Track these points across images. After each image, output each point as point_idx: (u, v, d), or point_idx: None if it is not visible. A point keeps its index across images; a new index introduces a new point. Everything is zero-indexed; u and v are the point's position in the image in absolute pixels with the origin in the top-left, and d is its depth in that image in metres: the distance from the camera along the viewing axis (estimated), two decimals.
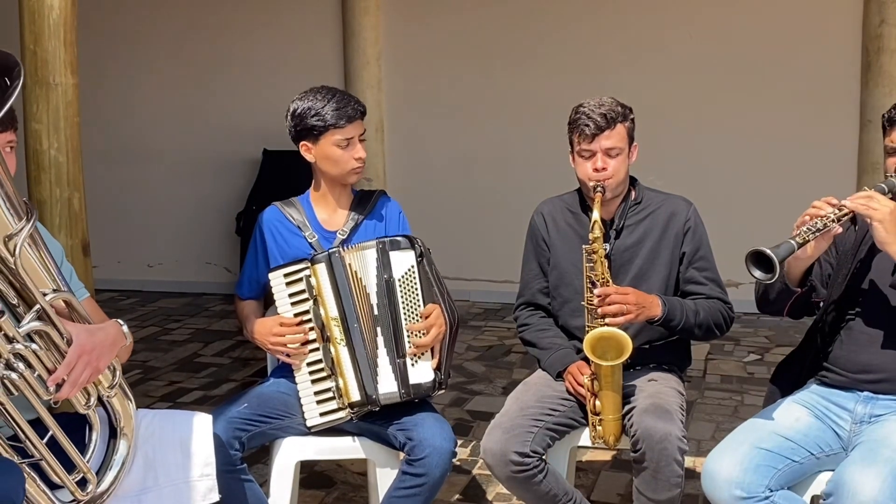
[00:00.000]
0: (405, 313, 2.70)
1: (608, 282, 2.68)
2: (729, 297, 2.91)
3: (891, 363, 2.49)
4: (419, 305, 2.72)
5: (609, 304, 2.64)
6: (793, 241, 2.32)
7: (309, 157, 2.84)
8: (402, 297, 2.70)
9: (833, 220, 2.37)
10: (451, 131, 6.57)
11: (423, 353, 2.70)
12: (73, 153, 3.12)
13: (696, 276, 2.88)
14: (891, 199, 2.44)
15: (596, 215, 2.69)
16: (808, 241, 2.34)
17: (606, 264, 2.70)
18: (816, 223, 2.36)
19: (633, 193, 2.91)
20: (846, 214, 2.38)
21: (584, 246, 2.72)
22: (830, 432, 2.50)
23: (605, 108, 2.77)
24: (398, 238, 2.75)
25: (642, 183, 2.96)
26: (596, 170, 2.75)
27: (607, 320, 2.65)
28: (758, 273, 2.30)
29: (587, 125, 2.75)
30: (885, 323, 2.49)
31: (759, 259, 2.29)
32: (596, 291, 2.66)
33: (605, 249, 2.75)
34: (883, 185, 2.44)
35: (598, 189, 2.74)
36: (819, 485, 2.46)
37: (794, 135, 5.94)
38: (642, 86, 5.70)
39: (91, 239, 3.25)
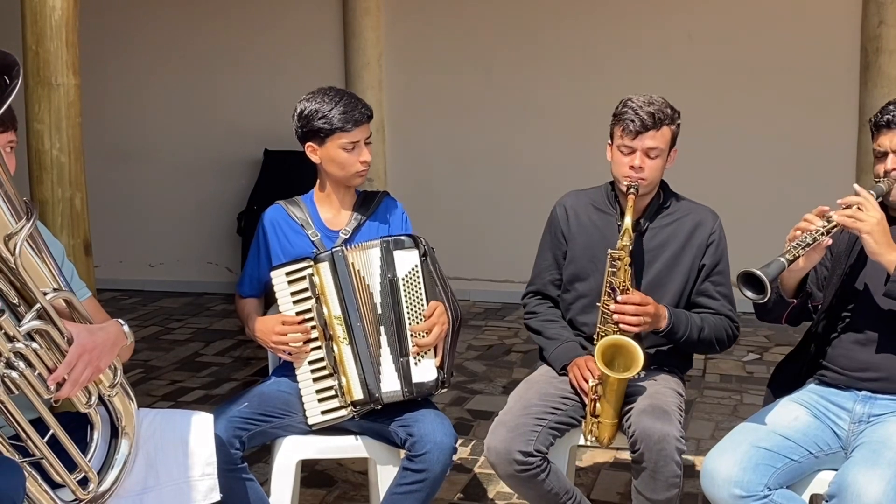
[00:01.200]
0: (408, 312, 2.71)
1: (628, 290, 2.66)
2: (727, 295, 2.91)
3: (889, 363, 2.49)
4: (422, 304, 2.72)
5: (627, 314, 2.63)
6: (783, 259, 2.33)
7: (314, 158, 2.84)
8: (405, 296, 2.71)
9: (823, 234, 2.37)
10: (452, 132, 6.58)
11: (426, 352, 2.70)
12: (75, 153, 3.13)
13: (710, 289, 2.86)
14: (880, 203, 2.45)
15: (628, 221, 2.66)
16: (798, 256, 2.36)
17: (630, 273, 2.68)
18: (806, 238, 2.37)
19: (661, 197, 2.88)
20: (836, 226, 2.39)
21: (610, 250, 2.69)
22: (829, 431, 2.51)
23: (654, 107, 2.72)
24: (402, 237, 2.76)
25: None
26: (632, 167, 2.71)
27: (625, 328, 2.64)
28: (749, 293, 2.30)
29: (632, 121, 2.70)
30: (882, 323, 2.50)
31: (749, 280, 2.29)
32: (619, 299, 2.64)
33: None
34: (872, 192, 2.45)
35: (632, 190, 2.70)
36: (818, 483, 2.47)
37: (793, 135, 5.95)
38: (641, 85, 5.69)
39: (93, 238, 3.26)
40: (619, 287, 2.66)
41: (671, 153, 2.81)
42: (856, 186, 2.44)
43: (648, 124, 2.69)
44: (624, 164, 2.73)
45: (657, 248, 2.84)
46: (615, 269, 2.67)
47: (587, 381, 2.70)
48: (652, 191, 2.84)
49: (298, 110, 2.80)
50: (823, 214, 2.43)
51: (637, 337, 2.68)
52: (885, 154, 2.51)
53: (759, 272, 2.27)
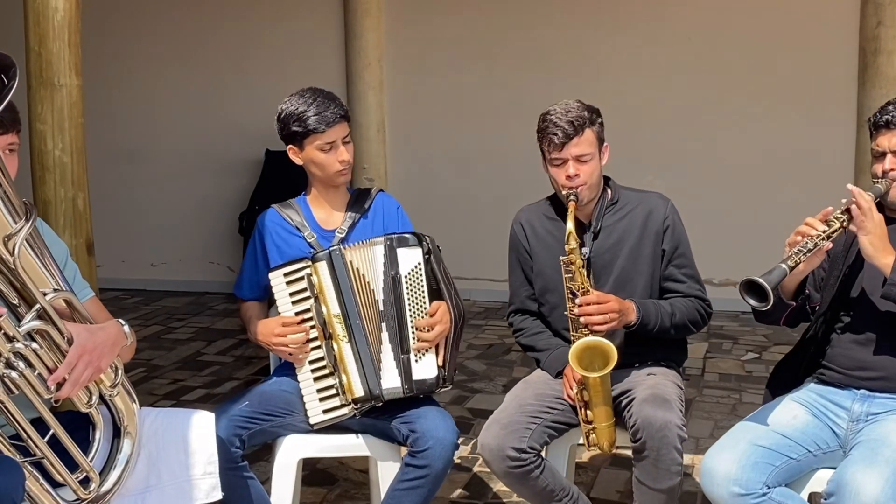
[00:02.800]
0: (411, 310, 2.72)
1: (588, 290, 2.67)
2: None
3: (887, 362, 2.50)
4: (425, 302, 2.73)
5: (591, 315, 2.65)
6: (784, 266, 2.33)
7: (297, 160, 2.86)
8: (407, 293, 2.72)
9: (824, 238, 2.38)
10: (452, 132, 6.60)
11: (427, 350, 2.71)
12: (78, 153, 3.15)
13: (675, 273, 2.88)
14: (877, 203, 2.46)
15: (570, 226, 2.67)
16: (800, 262, 2.36)
17: (585, 273, 2.69)
18: (807, 244, 2.37)
19: (608, 193, 2.90)
20: (837, 230, 2.40)
21: (561, 258, 2.71)
22: (828, 430, 2.52)
23: (571, 114, 2.73)
24: (406, 235, 2.77)
25: (616, 181, 2.95)
26: (568, 177, 2.74)
27: (594, 328, 2.65)
28: (752, 301, 2.31)
29: (555, 134, 2.72)
30: (880, 324, 2.51)
31: (752, 287, 2.30)
32: (577, 301, 2.66)
33: (585, 255, 2.76)
34: (870, 193, 2.46)
35: (572, 197, 2.72)
36: (816, 482, 2.48)
37: (792, 135, 5.96)
38: (641, 87, 5.74)
39: (95, 238, 3.28)
40: (579, 291, 2.67)
41: (603, 150, 2.82)
42: (849, 186, 2.45)
43: (570, 133, 2.71)
44: (560, 176, 2.75)
45: (615, 246, 2.85)
46: (571, 274, 2.68)
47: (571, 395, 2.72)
48: (596, 194, 2.85)
49: (277, 113, 2.83)
50: (826, 217, 2.43)
51: (609, 335, 2.68)
52: (884, 154, 2.52)
53: (761, 280, 2.27)
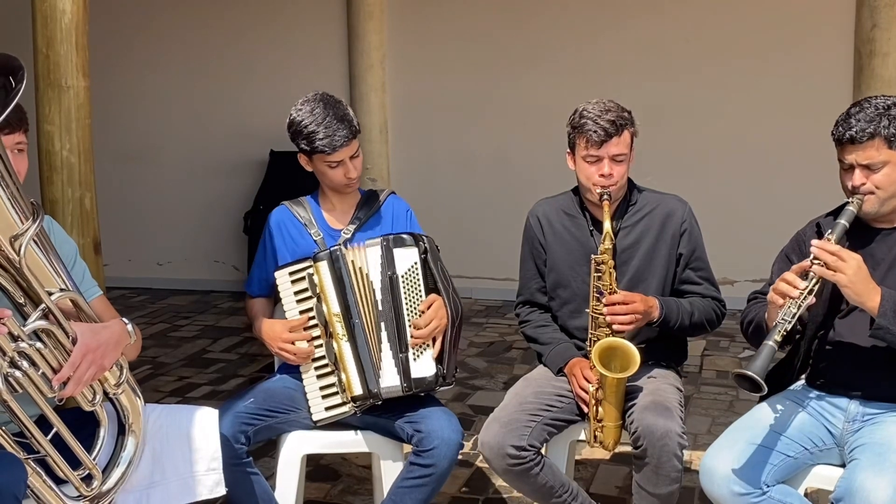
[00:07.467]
0: (408, 309, 2.73)
1: (615, 292, 2.69)
2: (722, 294, 2.96)
3: (878, 375, 2.46)
4: (422, 301, 2.74)
5: (619, 314, 2.67)
6: (771, 343, 2.26)
7: (307, 167, 2.89)
8: (404, 293, 2.73)
9: (806, 296, 2.31)
10: (454, 132, 6.63)
11: (425, 348, 2.72)
12: (85, 154, 3.18)
13: (692, 276, 2.91)
14: (855, 220, 2.40)
15: (607, 226, 2.69)
16: (787, 330, 2.29)
17: (615, 275, 2.71)
18: (791, 309, 2.30)
19: (627, 194, 2.92)
20: (818, 282, 2.32)
21: (592, 256, 2.72)
22: (823, 429, 2.52)
23: (612, 113, 2.73)
24: (403, 235, 2.78)
25: (636, 182, 2.97)
26: (602, 175, 2.74)
27: (615, 327, 2.68)
28: (747, 387, 2.24)
29: (595, 131, 2.71)
30: (868, 341, 2.45)
31: (745, 377, 2.22)
32: (604, 300, 2.68)
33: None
34: (843, 221, 2.39)
35: (606, 196, 2.73)
36: (813, 478, 2.50)
37: (788, 136, 5.97)
38: (640, 88, 5.75)
39: (102, 238, 3.31)
40: (606, 290, 2.69)
41: (631, 153, 2.83)
42: (812, 247, 2.35)
43: (611, 132, 2.72)
44: (592, 174, 2.75)
45: (632, 246, 2.87)
46: (600, 273, 2.70)
47: (586, 391, 2.73)
48: (623, 195, 2.88)
49: (289, 121, 2.83)
50: (803, 271, 2.34)
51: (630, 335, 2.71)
52: (852, 166, 2.44)
53: (752, 373, 2.19)
